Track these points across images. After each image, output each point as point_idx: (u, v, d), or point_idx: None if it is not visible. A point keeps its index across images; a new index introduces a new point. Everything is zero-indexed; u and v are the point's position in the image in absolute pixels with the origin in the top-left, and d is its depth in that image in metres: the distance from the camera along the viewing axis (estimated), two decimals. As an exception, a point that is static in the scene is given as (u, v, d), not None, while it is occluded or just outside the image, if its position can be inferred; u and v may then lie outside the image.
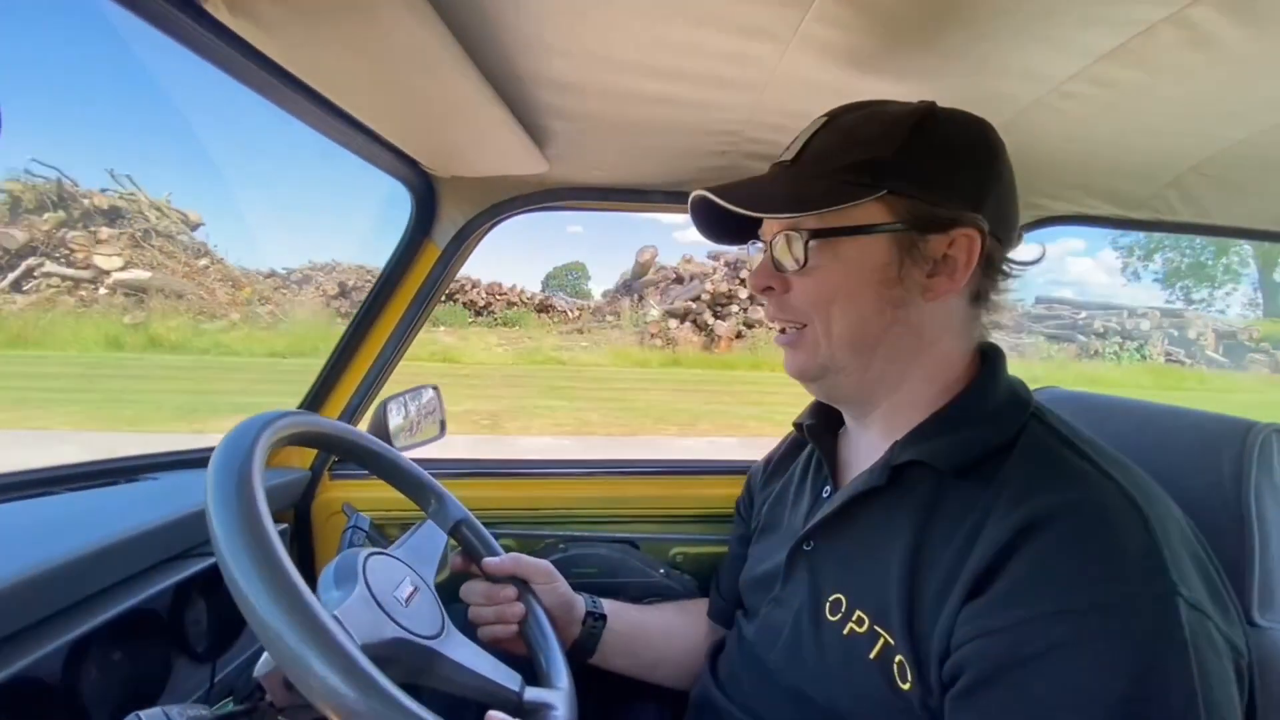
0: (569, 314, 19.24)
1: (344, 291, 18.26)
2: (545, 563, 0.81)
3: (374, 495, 1.13)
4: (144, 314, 14.79)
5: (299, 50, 0.64)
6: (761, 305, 0.68)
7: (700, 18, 0.65)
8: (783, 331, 0.66)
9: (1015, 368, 0.66)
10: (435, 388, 1.27)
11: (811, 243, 0.60)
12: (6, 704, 0.59)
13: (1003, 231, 0.61)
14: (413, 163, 0.96)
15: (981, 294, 0.63)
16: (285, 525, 1.00)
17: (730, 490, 1.22)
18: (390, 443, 1.08)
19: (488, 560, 0.78)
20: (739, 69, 0.74)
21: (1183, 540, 0.50)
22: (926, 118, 0.59)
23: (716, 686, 0.72)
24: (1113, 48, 0.68)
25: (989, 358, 0.64)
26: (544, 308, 19.24)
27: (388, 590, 0.61)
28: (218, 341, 15.03)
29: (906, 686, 0.53)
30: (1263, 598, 0.64)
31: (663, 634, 0.88)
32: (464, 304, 18.30)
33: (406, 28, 0.59)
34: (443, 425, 1.29)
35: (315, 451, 1.13)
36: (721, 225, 0.69)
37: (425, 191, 1.02)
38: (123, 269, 15.50)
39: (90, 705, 0.66)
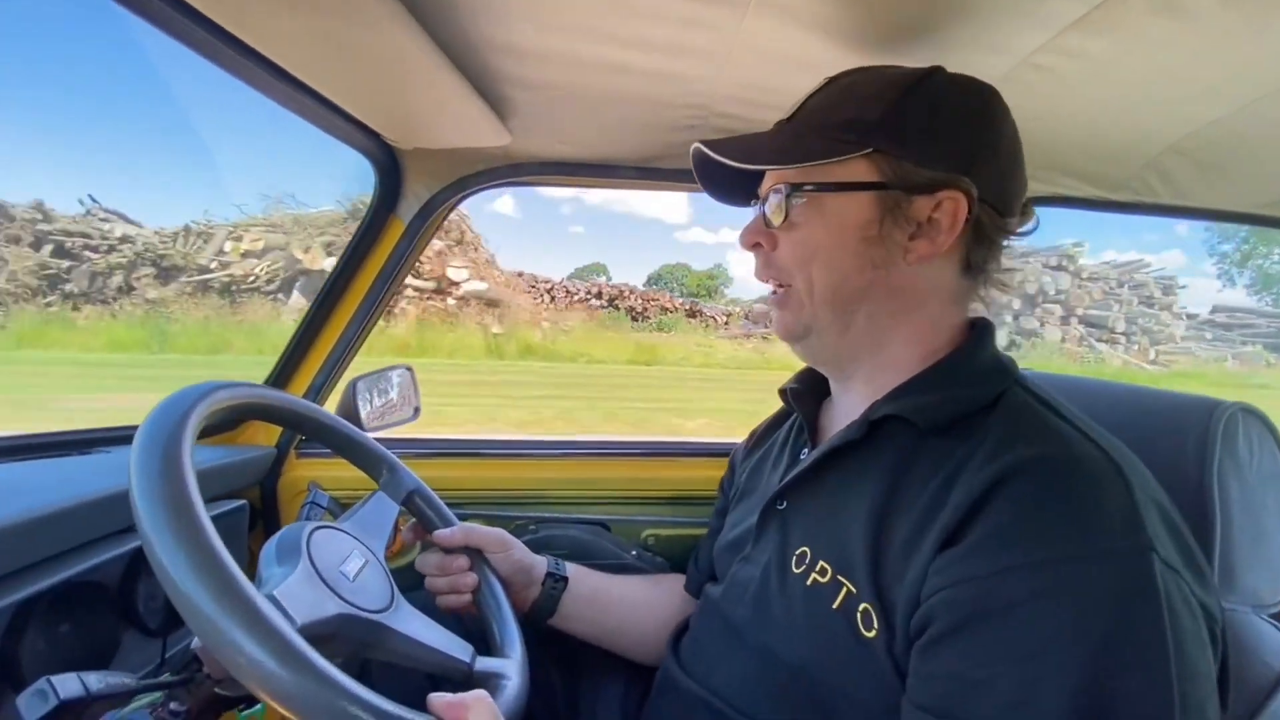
0: (716, 319, 20.35)
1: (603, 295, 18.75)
2: (499, 531, 0.81)
3: (342, 474, 1.12)
4: (505, 324, 15.06)
5: (250, 18, 0.63)
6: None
7: None
8: (772, 293, 0.67)
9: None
10: (409, 368, 1.26)
11: (794, 198, 0.60)
12: None
13: (999, 200, 0.60)
14: (374, 135, 0.94)
15: (974, 264, 0.62)
16: (244, 502, 0.99)
17: (703, 472, 1.23)
18: (359, 423, 1.07)
19: (438, 533, 0.78)
20: (698, 35, 0.72)
21: (1158, 507, 0.49)
22: (925, 79, 0.59)
23: (679, 666, 0.71)
24: (1080, 15, 0.66)
25: (978, 329, 0.64)
26: (693, 313, 20.34)
27: (333, 565, 0.60)
28: (579, 350, 15.28)
29: (871, 634, 0.53)
30: (1223, 577, 0.64)
31: (628, 602, 0.87)
32: (625, 310, 19.23)
33: None
34: (416, 408, 1.27)
35: (281, 429, 1.12)
36: (725, 182, 0.69)
37: (388, 164, 1.01)
38: (467, 280, 15.79)
39: (27, 674, 0.65)
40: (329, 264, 14.15)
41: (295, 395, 1.09)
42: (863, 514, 0.56)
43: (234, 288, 14.91)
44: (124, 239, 14.92)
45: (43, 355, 11.68)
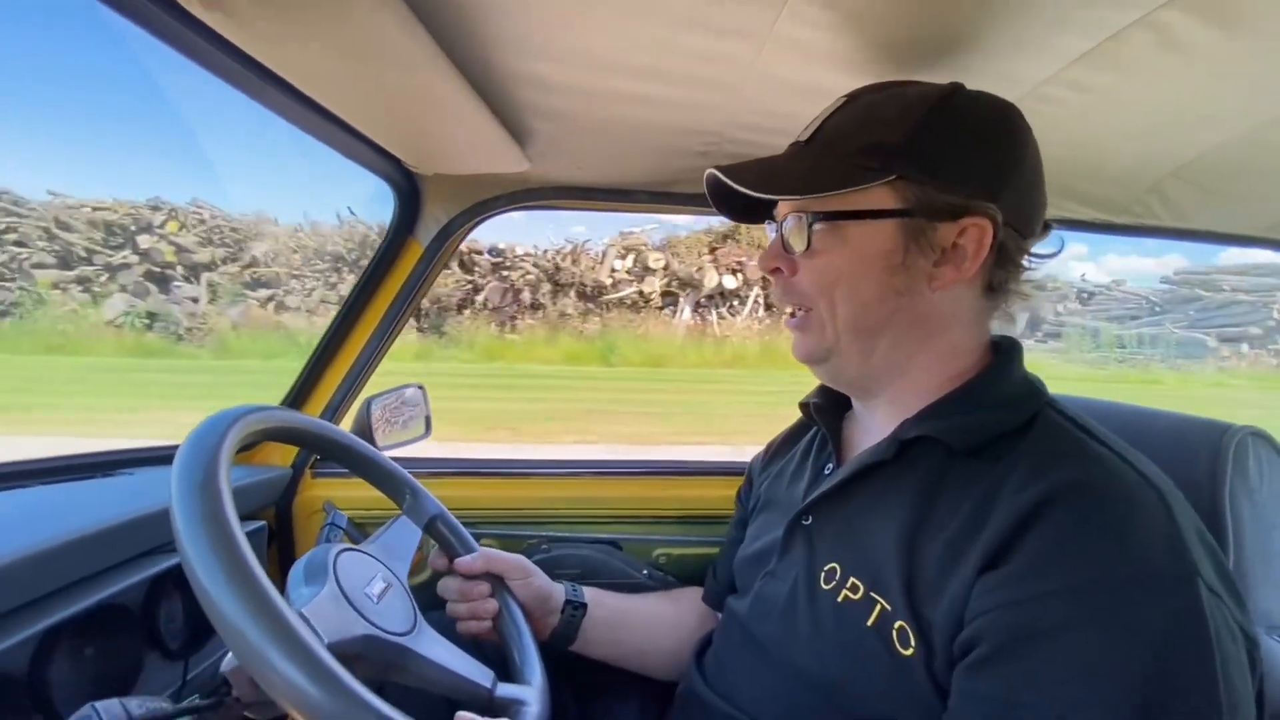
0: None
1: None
2: (519, 558, 0.81)
3: (356, 494, 1.13)
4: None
5: (275, 46, 0.64)
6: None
7: (676, 18, 0.65)
8: (791, 315, 0.66)
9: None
10: (420, 386, 1.27)
11: (816, 226, 0.59)
12: None
13: (1021, 223, 0.60)
14: (395, 160, 0.96)
15: (996, 285, 0.62)
16: (264, 523, 0.99)
17: (715, 491, 1.23)
18: (373, 441, 1.08)
19: (459, 560, 0.78)
20: (716, 68, 0.74)
21: (1198, 531, 0.50)
22: (947, 99, 0.58)
23: (703, 681, 0.71)
24: (1085, 51, 0.68)
25: (1003, 349, 0.64)
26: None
27: (358, 587, 0.60)
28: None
29: (908, 652, 0.52)
30: None
31: (647, 621, 0.87)
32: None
33: (381, 24, 0.59)
34: (428, 424, 1.28)
35: (296, 449, 1.13)
36: (740, 204, 0.67)
37: (408, 189, 1.02)
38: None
39: (57, 699, 0.65)
40: (728, 281, 14.45)
41: (313, 416, 1.10)
42: (894, 532, 0.56)
43: (630, 302, 15.22)
44: (524, 256, 15.63)
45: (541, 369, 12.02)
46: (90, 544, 0.71)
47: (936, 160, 0.57)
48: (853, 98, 0.62)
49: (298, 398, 1.11)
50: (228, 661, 0.55)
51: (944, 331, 0.62)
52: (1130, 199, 1.09)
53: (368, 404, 1.10)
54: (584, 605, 0.83)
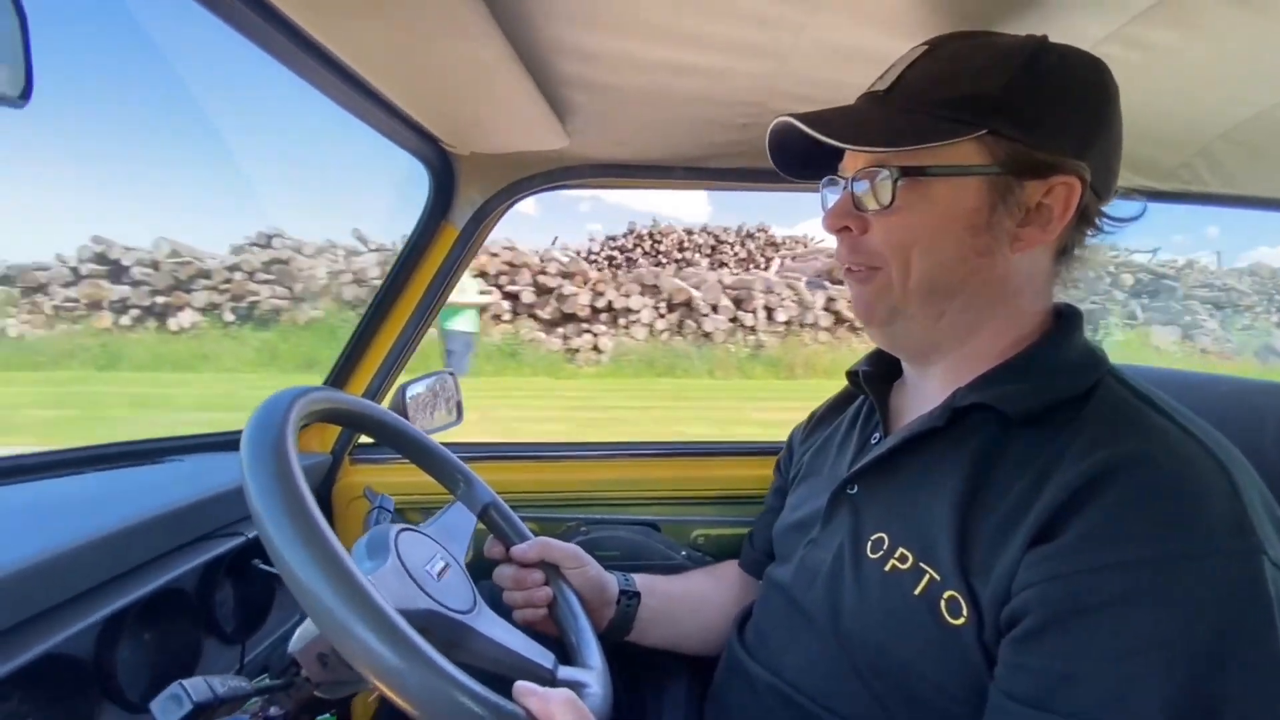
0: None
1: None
2: (574, 547, 0.80)
3: (394, 480, 1.13)
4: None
5: (321, 13, 0.63)
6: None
7: None
8: (849, 270, 0.63)
9: None
10: (453, 373, 1.27)
11: (901, 181, 0.56)
12: (40, 680, 0.59)
13: (1102, 184, 0.58)
14: (432, 140, 0.95)
15: (1069, 248, 0.60)
16: None
17: (753, 471, 1.23)
18: None
19: (515, 549, 0.77)
20: (765, 34, 0.73)
21: (1265, 504, 0.48)
22: (1040, 53, 0.55)
23: (745, 652, 0.71)
24: (1150, 5, 0.66)
25: (1066, 316, 0.62)
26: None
27: (420, 564, 0.60)
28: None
29: (959, 621, 0.52)
30: None
31: (695, 602, 0.87)
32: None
33: None
34: (459, 410, 1.28)
35: (336, 435, 1.13)
36: (800, 160, 0.64)
37: (444, 171, 1.01)
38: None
39: (123, 682, 0.66)
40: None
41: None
42: (946, 502, 0.55)
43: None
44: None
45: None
46: (148, 530, 0.71)
47: (1031, 115, 0.54)
48: (933, 46, 0.59)
49: (337, 380, 1.11)
50: (295, 641, 0.55)
51: (1015, 296, 0.60)
52: (1177, 164, 1.06)
53: (403, 390, 1.10)
54: (638, 594, 0.82)
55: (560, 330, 11.51)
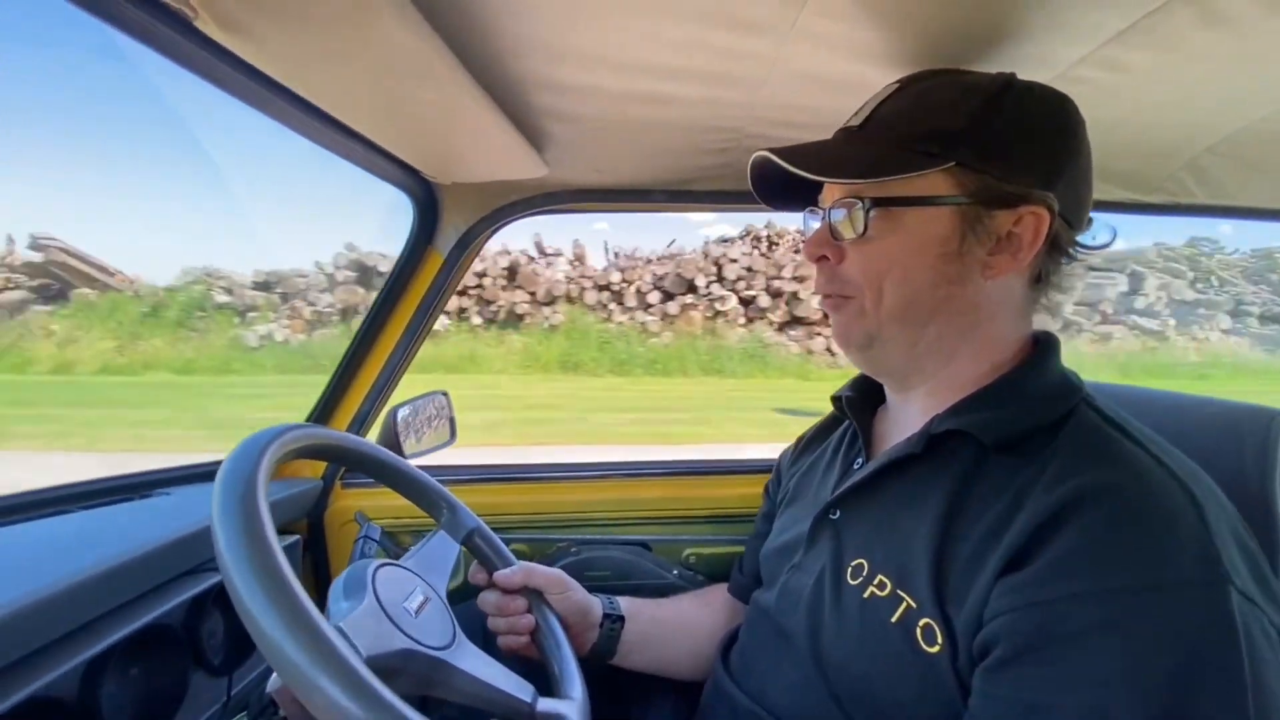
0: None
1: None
2: (558, 572, 0.80)
3: (386, 503, 1.14)
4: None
5: (291, 63, 0.64)
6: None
7: (696, 14, 0.63)
8: (827, 297, 0.65)
9: None
10: (445, 393, 1.28)
11: (872, 211, 0.58)
12: None
13: (1073, 214, 0.60)
14: (413, 171, 0.96)
15: (1043, 276, 0.62)
16: (298, 536, 1.00)
17: (743, 489, 1.23)
18: (400, 450, 1.08)
19: (498, 574, 0.78)
20: (737, 65, 0.73)
21: (1232, 531, 0.49)
22: (1005, 89, 0.58)
23: (728, 677, 0.71)
24: (1122, 29, 0.66)
25: (1042, 343, 0.63)
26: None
27: (397, 601, 0.60)
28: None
29: (935, 649, 0.52)
30: None
31: (682, 627, 0.87)
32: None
33: (396, 36, 0.59)
34: (453, 430, 1.29)
35: (326, 462, 1.14)
36: (781, 189, 0.67)
37: (427, 199, 1.02)
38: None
39: None
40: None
41: (339, 428, 1.10)
42: (924, 529, 0.55)
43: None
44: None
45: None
46: (133, 568, 0.72)
47: (996, 148, 0.56)
48: (904, 85, 0.62)
49: (324, 411, 1.12)
50: (273, 682, 0.56)
51: (990, 321, 0.61)
52: (1164, 176, 1.06)
53: (394, 413, 1.11)
54: (622, 618, 0.82)
55: (790, 333, 11.83)
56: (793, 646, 0.64)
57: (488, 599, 0.78)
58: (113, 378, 10.92)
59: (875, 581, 0.58)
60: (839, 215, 0.60)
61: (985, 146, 0.56)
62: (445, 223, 1.05)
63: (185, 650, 0.79)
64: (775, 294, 12.13)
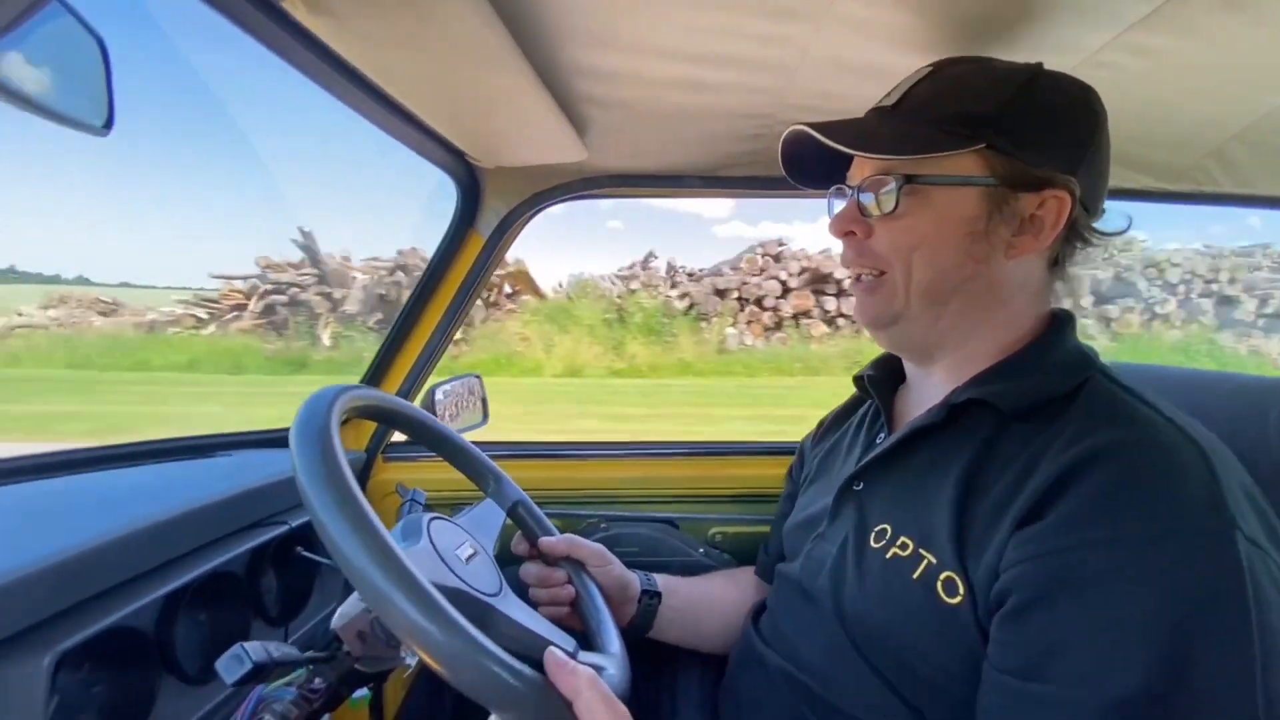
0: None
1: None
2: (599, 545, 0.83)
3: (425, 477, 1.18)
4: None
5: (366, 46, 0.69)
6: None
7: (734, 1, 0.67)
8: (858, 279, 0.67)
9: None
10: (478, 376, 1.32)
11: (904, 188, 0.61)
12: (108, 651, 0.65)
13: (1091, 200, 0.62)
14: (459, 154, 1.01)
15: (1060, 260, 0.64)
16: None
17: (770, 470, 1.25)
18: None
19: (543, 540, 0.81)
20: (772, 51, 0.76)
21: (1241, 485, 0.50)
22: (1035, 77, 0.61)
23: (759, 639, 0.74)
24: (1146, 14, 0.68)
25: (1059, 320, 0.65)
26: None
27: (450, 549, 0.64)
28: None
29: (956, 600, 0.54)
30: None
31: (714, 605, 0.90)
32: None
33: (463, 19, 0.63)
34: (485, 413, 1.34)
35: (370, 434, 1.19)
36: (811, 170, 0.69)
37: (470, 183, 1.07)
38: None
39: (181, 657, 0.72)
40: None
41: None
42: (946, 492, 0.58)
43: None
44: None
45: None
46: (201, 517, 0.77)
47: (1024, 133, 0.59)
48: (937, 69, 0.64)
49: (374, 378, 1.17)
50: (337, 619, 0.60)
51: (1009, 300, 0.63)
52: (1189, 165, 1.07)
53: (433, 391, 1.16)
54: (659, 594, 0.85)
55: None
56: (818, 607, 0.67)
57: (530, 570, 0.81)
58: (635, 380, 11.81)
59: (898, 543, 0.60)
60: (869, 192, 0.63)
61: (1015, 131, 0.58)
62: (486, 206, 1.10)
63: (247, 599, 0.84)
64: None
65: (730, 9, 0.69)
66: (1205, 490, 0.48)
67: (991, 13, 0.70)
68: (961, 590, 0.54)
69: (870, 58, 0.77)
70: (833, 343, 12.72)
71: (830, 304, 13.02)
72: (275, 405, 8.53)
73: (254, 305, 13.04)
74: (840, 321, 12.87)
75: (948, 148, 0.59)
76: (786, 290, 13.24)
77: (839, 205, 0.68)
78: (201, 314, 13.39)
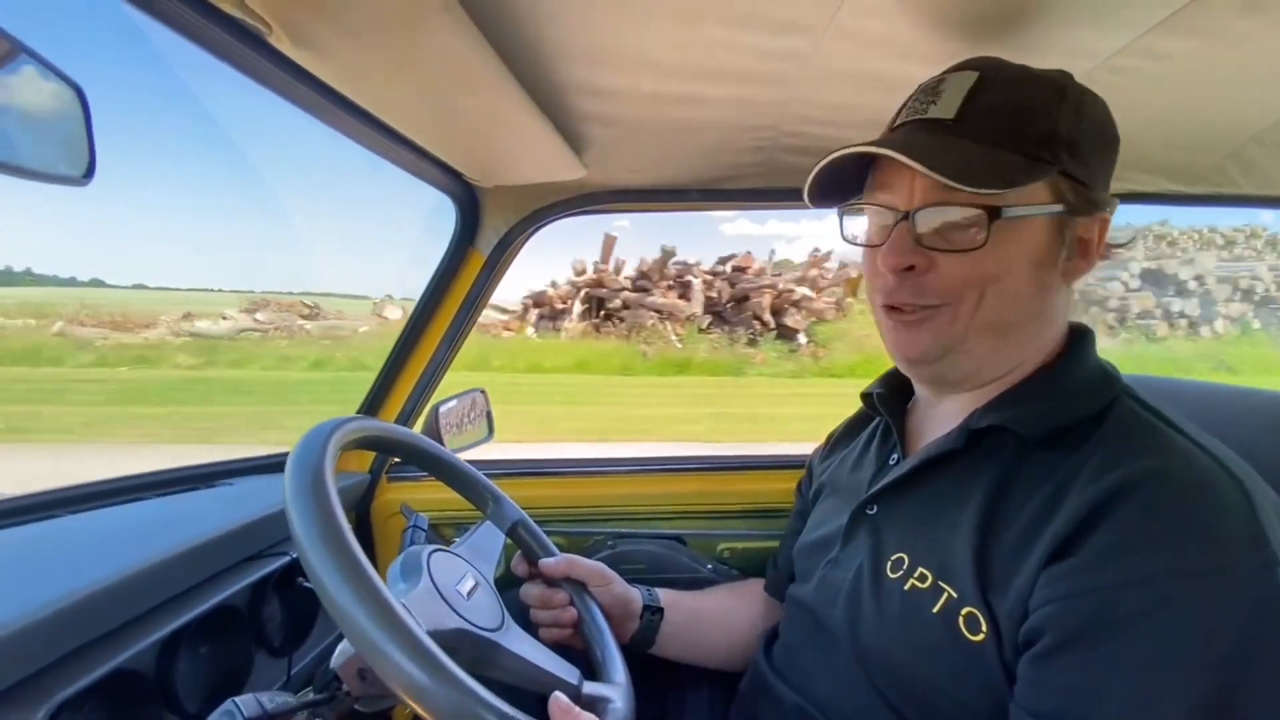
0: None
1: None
2: (599, 564, 0.82)
3: (429, 496, 1.17)
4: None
5: (353, 74, 0.67)
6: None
7: (733, 16, 0.65)
8: (906, 310, 0.60)
9: None
10: (483, 391, 1.31)
11: (992, 223, 0.54)
12: (108, 695, 0.64)
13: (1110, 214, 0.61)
14: (456, 175, 1.00)
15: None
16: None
17: (778, 484, 1.23)
18: (442, 444, 1.12)
19: (543, 562, 0.80)
20: (774, 65, 0.74)
21: (1276, 509, 0.49)
22: (1078, 93, 0.58)
23: (773, 672, 0.72)
24: (1163, 18, 0.66)
25: (1078, 336, 0.63)
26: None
27: (450, 584, 0.63)
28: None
29: (978, 638, 0.52)
30: None
31: (718, 620, 0.88)
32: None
33: (450, 45, 0.62)
34: (491, 427, 1.33)
35: (374, 455, 1.18)
36: (821, 180, 0.62)
37: (469, 202, 1.06)
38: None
39: (183, 696, 0.71)
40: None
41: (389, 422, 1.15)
42: (966, 522, 0.56)
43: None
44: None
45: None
46: (203, 552, 0.77)
47: (1086, 154, 0.56)
48: (983, 74, 0.58)
49: (373, 404, 1.16)
50: (336, 658, 0.59)
51: (1051, 322, 0.61)
52: (1208, 167, 1.04)
53: (435, 409, 1.15)
54: (661, 609, 0.84)
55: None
56: (833, 639, 0.65)
57: (531, 591, 0.80)
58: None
59: (916, 574, 0.58)
60: (933, 219, 0.56)
61: (1081, 152, 0.56)
62: (486, 224, 1.09)
63: (249, 631, 0.83)
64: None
65: (728, 24, 0.67)
66: (1244, 523, 0.46)
67: (1004, 20, 0.67)
68: (984, 628, 0.52)
69: (875, 69, 0.75)
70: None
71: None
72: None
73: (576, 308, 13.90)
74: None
75: (1034, 177, 0.54)
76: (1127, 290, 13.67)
77: (858, 222, 0.64)
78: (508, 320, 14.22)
